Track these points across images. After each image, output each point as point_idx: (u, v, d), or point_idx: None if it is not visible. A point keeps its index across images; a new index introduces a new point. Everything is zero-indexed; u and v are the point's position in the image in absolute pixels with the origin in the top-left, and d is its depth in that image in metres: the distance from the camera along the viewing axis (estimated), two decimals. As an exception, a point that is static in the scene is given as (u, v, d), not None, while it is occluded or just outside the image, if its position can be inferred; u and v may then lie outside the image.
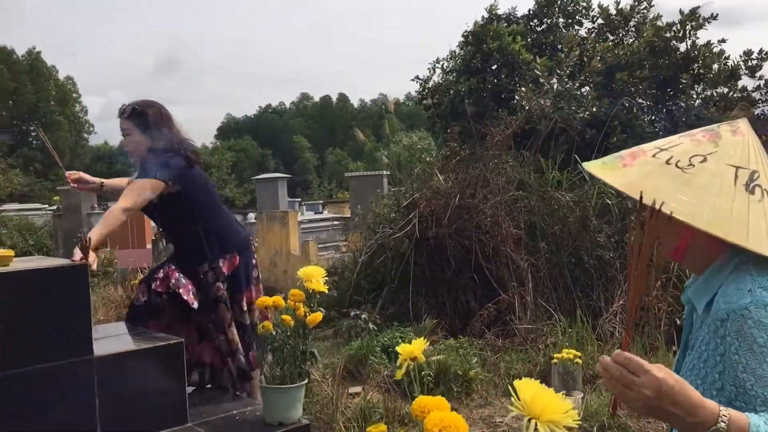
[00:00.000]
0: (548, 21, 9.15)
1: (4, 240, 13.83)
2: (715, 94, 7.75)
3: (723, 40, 7.78)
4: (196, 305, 3.05)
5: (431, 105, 9.04)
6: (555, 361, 4.25)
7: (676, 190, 1.13)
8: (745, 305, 1.08)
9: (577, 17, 9.07)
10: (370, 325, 5.47)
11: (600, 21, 8.81)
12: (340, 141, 55.47)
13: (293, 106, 68.71)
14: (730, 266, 1.16)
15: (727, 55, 7.75)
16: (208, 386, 3.27)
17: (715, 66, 7.73)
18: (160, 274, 3.10)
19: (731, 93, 7.68)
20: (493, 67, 8.52)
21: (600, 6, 8.71)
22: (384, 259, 6.46)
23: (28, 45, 59.01)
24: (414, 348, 1.21)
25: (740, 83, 7.77)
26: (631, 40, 8.44)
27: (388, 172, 10.29)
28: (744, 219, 1.11)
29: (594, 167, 1.25)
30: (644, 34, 8.04)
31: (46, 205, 20.79)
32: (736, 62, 7.72)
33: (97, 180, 3.32)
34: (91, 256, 2.40)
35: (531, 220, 6.04)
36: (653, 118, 7.92)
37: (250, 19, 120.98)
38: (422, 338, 1.24)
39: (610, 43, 8.30)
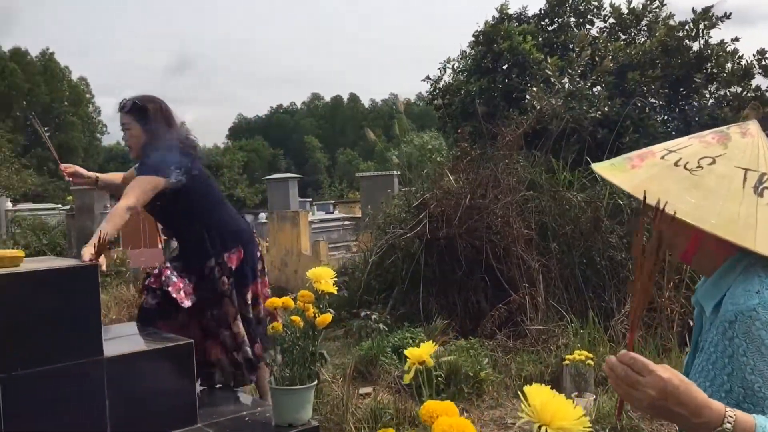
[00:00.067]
0: (559, 20, 9.10)
1: (18, 239, 13.93)
2: (728, 93, 7.68)
3: (736, 39, 7.71)
4: (186, 304, 3.03)
5: (442, 105, 9.02)
6: (567, 362, 4.23)
7: (683, 192, 1.13)
8: (752, 307, 1.08)
9: (588, 16, 9.02)
10: (381, 326, 5.47)
11: (612, 20, 8.76)
12: (351, 141, 55.52)
13: (304, 106, 68.86)
14: (739, 268, 1.16)
15: (740, 54, 7.68)
16: (218, 386, 3.27)
17: (729, 65, 7.66)
18: (155, 272, 3.11)
19: (745, 92, 7.61)
20: (504, 67, 8.49)
21: (612, 5, 8.66)
22: (394, 259, 6.45)
23: (42, 46, 59.46)
24: (422, 352, 1.20)
25: (754, 82, 7.71)
26: (643, 40, 8.38)
27: (399, 172, 10.29)
28: (752, 221, 1.11)
29: (602, 169, 1.25)
30: (656, 34, 7.98)
31: (60, 205, 20.92)
32: (749, 61, 7.65)
33: (92, 174, 3.32)
34: (101, 257, 2.41)
35: (542, 220, 6.01)
36: (666, 117, 7.87)
37: (261, 19, 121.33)
38: (431, 342, 1.23)
39: (622, 43, 8.25)
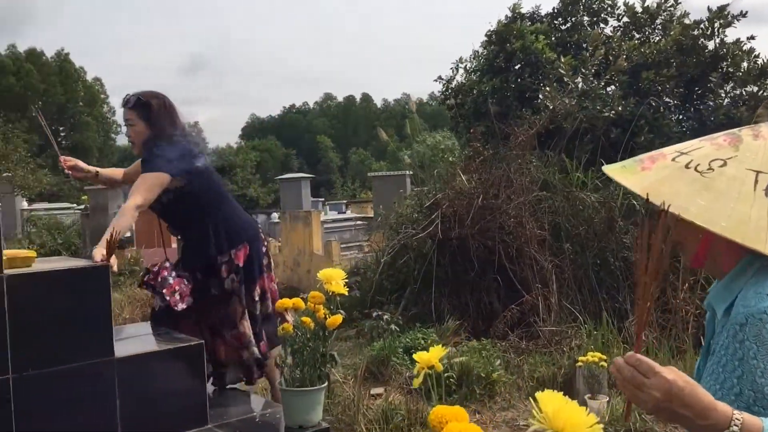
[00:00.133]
0: (572, 19, 9.03)
1: (34, 239, 14.06)
2: (744, 93, 7.59)
3: (752, 38, 7.62)
4: (180, 306, 3.02)
5: (454, 105, 8.98)
6: (580, 364, 4.19)
7: (694, 194, 1.12)
8: (763, 309, 1.07)
9: (602, 15, 8.95)
10: (393, 326, 5.46)
11: (626, 19, 8.67)
12: (364, 141, 55.53)
13: (317, 106, 68.97)
14: (750, 271, 1.15)
15: (757, 53, 7.58)
16: (229, 387, 3.27)
17: (745, 64, 7.57)
18: (155, 269, 3.11)
19: (761, 92, 7.51)
20: (517, 67, 8.44)
21: (626, 4, 8.58)
22: (407, 259, 6.43)
23: (57, 47, 59.93)
24: (431, 356, 1.19)
25: (771, 81, 7.61)
26: (657, 39, 8.30)
27: (411, 172, 10.27)
28: (763, 224, 1.10)
29: (613, 171, 1.24)
30: (671, 32, 7.90)
31: (75, 205, 21.08)
32: (766, 60, 7.55)
33: (93, 168, 3.31)
34: (112, 257, 2.41)
35: (555, 220, 5.98)
36: (681, 117, 7.80)
37: (274, 19, 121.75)
38: (440, 345, 1.21)
39: (636, 42, 8.17)
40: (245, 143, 48.27)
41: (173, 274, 3.09)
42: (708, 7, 7.61)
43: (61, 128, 42.45)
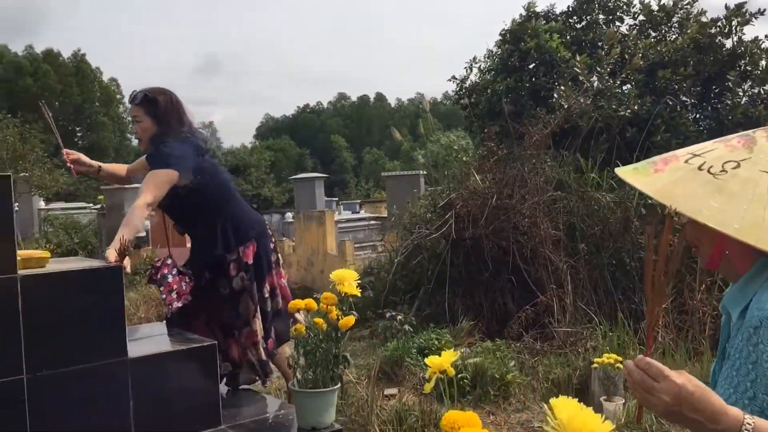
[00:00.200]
0: (588, 18, 8.98)
1: (51, 238, 14.17)
2: (762, 91, 7.50)
3: (771, 36, 7.54)
4: (176, 305, 3.01)
5: (468, 104, 8.95)
6: (595, 365, 4.16)
7: (707, 196, 1.11)
8: None
9: (617, 13, 8.89)
10: (406, 327, 5.45)
11: (641, 17, 8.61)
12: (377, 140, 55.56)
13: (331, 105, 69.06)
14: (766, 274, 1.14)
15: (775, 51, 7.50)
16: (242, 387, 3.27)
17: (763, 62, 7.49)
18: (158, 264, 3.11)
19: (780, 90, 7.43)
20: (531, 66, 8.40)
21: (641, 2, 8.51)
22: (420, 259, 6.42)
23: (74, 47, 60.46)
24: (443, 360, 1.17)
25: (790, 80, 7.51)
26: (674, 37, 8.23)
27: (425, 172, 10.24)
28: None
29: (625, 173, 1.23)
30: (688, 31, 7.83)
31: (91, 204, 21.23)
32: (785, 58, 7.46)
33: (95, 163, 3.30)
34: (126, 258, 2.41)
35: (570, 221, 5.94)
36: (698, 116, 7.72)
37: (288, 19, 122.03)
38: (452, 349, 1.20)
39: (652, 40, 8.11)
40: (259, 143, 48.40)
41: (174, 271, 3.07)
42: (725, 4, 7.53)
43: (77, 128, 42.81)
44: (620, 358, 4.08)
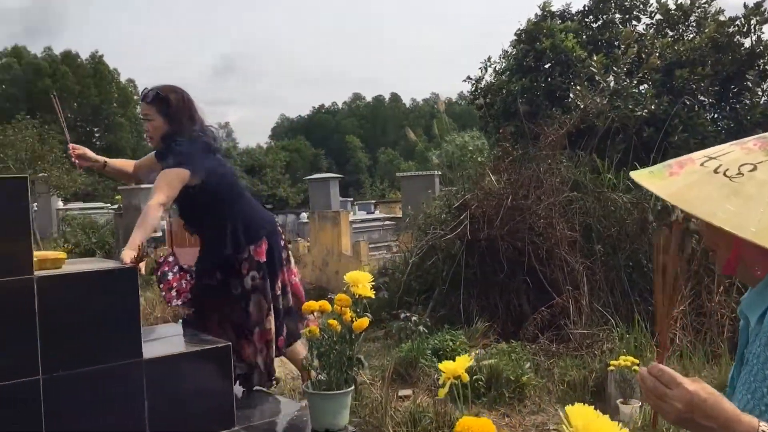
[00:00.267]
0: (604, 17, 8.91)
1: (69, 238, 14.32)
2: (782, 90, 7.41)
3: (790, 35, 7.43)
4: (174, 303, 3.02)
5: (483, 105, 8.92)
6: (612, 368, 4.13)
7: (722, 199, 1.08)
8: None
9: (634, 12, 8.81)
10: (421, 328, 5.43)
11: (658, 16, 8.53)
12: (392, 141, 55.51)
13: (345, 106, 69.11)
14: None
15: (795, 50, 7.39)
16: (256, 389, 3.27)
17: (782, 61, 7.39)
18: (161, 259, 3.10)
19: (800, 90, 7.33)
20: (547, 66, 8.35)
21: (658, 1, 8.43)
22: (435, 260, 6.40)
23: (92, 49, 61.02)
24: (457, 366, 1.16)
25: (810, 79, 7.41)
26: (691, 36, 8.14)
27: (440, 173, 10.22)
28: None
29: (640, 176, 1.21)
30: (706, 30, 7.74)
31: (108, 204, 21.41)
32: (805, 57, 7.36)
33: (101, 158, 3.29)
34: (141, 261, 2.42)
35: (586, 221, 5.89)
36: (716, 116, 7.63)
37: (303, 20, 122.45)
38: (466, 355, 1.19)
39: (670, 39, 8.03)
40: (275, 143, 48.57)
41: (175, 269, 3.07)
42: (744, 3, 7.45)
43: (95, 129, 43.20)
44: (637, 361, 4.05)
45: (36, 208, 16.73)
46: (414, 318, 5.57)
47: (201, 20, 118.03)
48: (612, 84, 7.13)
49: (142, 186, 12.67)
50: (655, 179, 1.18)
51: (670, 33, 8.37)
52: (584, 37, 8.61)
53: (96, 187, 27.04)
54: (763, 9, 7.37)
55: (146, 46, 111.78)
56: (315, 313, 2.42)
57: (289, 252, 3.48)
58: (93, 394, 2.20)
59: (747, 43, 7.42)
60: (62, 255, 2.35)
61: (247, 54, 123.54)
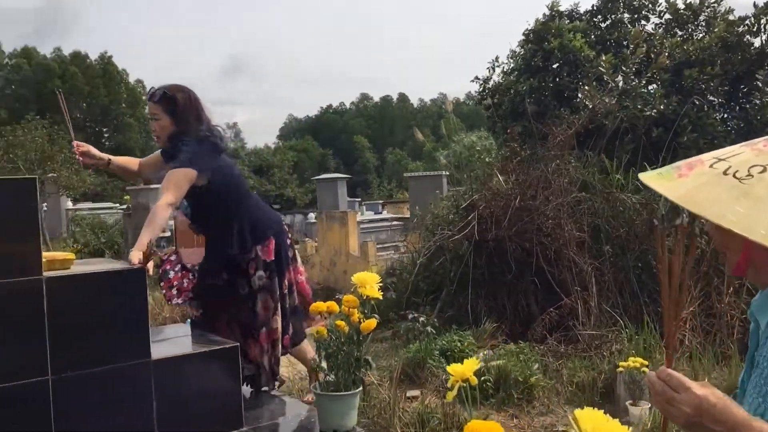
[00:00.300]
0: (612, 17, 8.88)
1: (78, 238, 14.39)
2: (793, 90, 7.35)
3: (801, 34, 7.37)
4: (174, 301, 3.02)
5: (491, 105, 8.90)
6: (621, 369, 4.11)
7: (732, 201, 1.07)
8: None
9: (643, 12, 8.77)
10: (429, 328, 5.42)
11: (667, 16, 8.49)
12: (400, 141, 55.51)
13: (353, 106, 69.13)
14: None
15: (806, 49, 7.34)
16: (264, 389, 3.27)
17: (793, 61, 7.34)
18: (165, 257, 3.11)
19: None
20: (555, 66, 8.32)
21: (667, 0, 8.40)
22: (443, 260, 6.39)
23: (101, 49, 61.32)
24: (465, 369, 1.15)
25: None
26: (701, 36, 8.10)
27: (447, 173, 10.20)
28: None
29: (649, 178, 1.20)
30: (715, 29, 7.70)
31: (117, 204, 21.50)
32: (816, 57, 7.30)
33: (105, 156, 3.28)
34: (149, 261, 2.43)
35: (595, 222, 5.87)
36: (726, 116, 7.59)
37: (310, 20, 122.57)
38: (474, 358, 1.18)
39: (679, 39, 7.99)
40: (283, 143, 48.67)
41: (176, 268, 3.07)
42: (754, 3, 7.40)
43: (104, 129, 43.38)
44: (646, 362, 4.03)
45: (45, 209, 16.82)
46: (422, 318, 5.56)
47: (209, 20, 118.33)
48: (621, 84, 7.10)
49: (151, 186, 12.72)
50: (664, 181, 1.17)
51: (679, 32, 8.33)
52: (593, 36, 8.58)
53: (105, 187, 27.14)
54: (773, 8, 7.32)
55: (155, 47, 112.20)
56: (323, 314, 2.41)
57: (295, 251, 3.48)
58: (101, 395, 2.21)
59: (757, 42, 7.37)
60: (71, 256, 2.36)
61: (255, 54, 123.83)
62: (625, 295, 5.50)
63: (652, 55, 7.56)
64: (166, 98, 3.09)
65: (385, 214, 17.35)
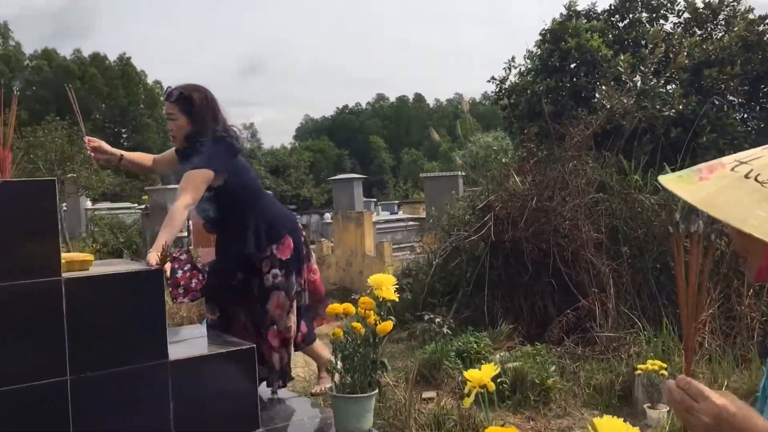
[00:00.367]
0: (630, 16, 8.80)
1: (97, 238, 14.52)
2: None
3: (823, 32, 7.28)
4: (181, 300, 3.02)
5: (508, 105, 8.86)
6: (639, 372, 4.08)
7: (753, 205, 1.04)
8: None
9: (661, 11, 8.69)
10: (445, 329, 5.41)
11: (686, 15, 8.41)
12: (416, 141, 55.45)
13: (369, 106, 69.16)
14: None
15: (827, 48, 7.24)
16: (280, 390, 3.27)
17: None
18: (174, 255, 3.12)
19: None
20: (572, 66, 8.27)
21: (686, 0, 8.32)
22: (459, 261, 6.37)
23: (119, 51, 61.89)
24: (483, 375, 1.15)
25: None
26: (720, 35, 8.01)
27: (463, 173, 10.17)
28: None
29: (668, 181, 1.18)
30: (735, 28, 7.61)
31: (136, 205, 21.67)
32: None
33: (117, 151, 3.27)
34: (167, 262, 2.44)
35: (612, 223, 5.82)
36: (746, 116, 7.51)
37: (327, 21, 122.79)
38: (492, 363, 1.17)
39: (698, 38, 7.91)
40: (299, 144, 48.84)
41: (186, 267, 3.08)
42: (775, 1, 7.31)
43: (123, 130, 43.75)
44: (665, 365, 4.00)
45: (65, 209, 16.99)
46: (438, 319, 5.55)
47: (226, 21, 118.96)
48: (639, 84, 7.05)
49: (169, 186, 12.81)
50: (684, 184, 1.15)
51: (699, 32, 8.25)
52: (610, 36, 8.51)
53: (124, 188, 27.35)
54: (794, 6, 7.23)
55: (174, 48, 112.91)
56: (339, 316, 2.41)
57: (310, 249, 3.48)
58: (119, 395, 2.22)
59: (778, 41, 7.29)
60: (89, 257, 2.38)
61: (272, 54, 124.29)
62: (643, 296, 5.45)
63: (671, 55, 7.49)
64: (183, 98, 3.09)
65: (400, 215, 17.32)
